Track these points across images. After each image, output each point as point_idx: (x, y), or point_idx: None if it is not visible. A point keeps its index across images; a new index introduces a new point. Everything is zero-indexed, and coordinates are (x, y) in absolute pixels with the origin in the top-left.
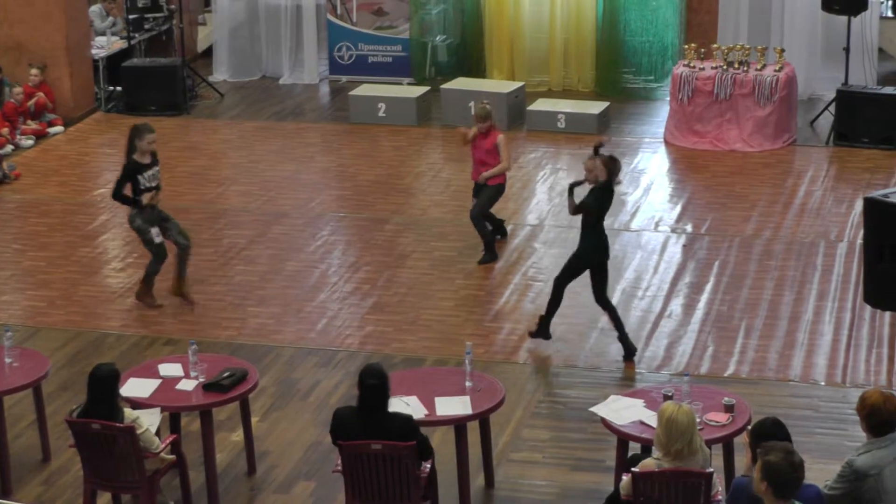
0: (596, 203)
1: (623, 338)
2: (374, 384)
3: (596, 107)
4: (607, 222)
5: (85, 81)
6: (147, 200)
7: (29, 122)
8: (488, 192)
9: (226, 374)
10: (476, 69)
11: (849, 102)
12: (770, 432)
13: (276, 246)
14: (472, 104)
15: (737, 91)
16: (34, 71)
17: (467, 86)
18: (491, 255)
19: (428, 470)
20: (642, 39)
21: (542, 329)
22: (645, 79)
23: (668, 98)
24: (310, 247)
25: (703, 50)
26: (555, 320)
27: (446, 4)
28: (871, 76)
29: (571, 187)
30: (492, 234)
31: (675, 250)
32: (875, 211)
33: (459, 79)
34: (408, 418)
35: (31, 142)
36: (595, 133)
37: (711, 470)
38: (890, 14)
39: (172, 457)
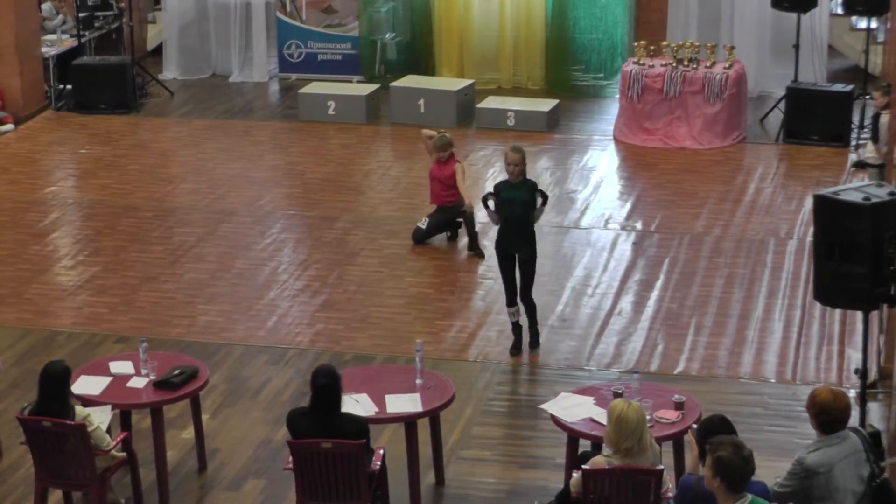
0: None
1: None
2: (325, 384)
3: (545, 104)
4: (556, 219)
5: (35, 79)
6: None
7: None
8: (445, 216)
9: (176, 372)
10: (426, 67)
11: (798, 100)
12: (716, 429)
13: (225, 244)
14: (421, 102)
15: (686, 88)
16: None
17: (417, 83)
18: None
19: (378, 466)
20: (591, 37)
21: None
22: (594, 76)
23: (618, 95)
24: (259, 245)
25: (652, 47)
26: (506, 318)
27: (396, 2)
28: (820, 73)
29: (485, 200)
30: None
31: (624, 248)
32: (825, 208)
33: (409, 76)
34: (362, 421)
35: None
36: (544, 130)
37: (661, 467)
38: (840, 11)
39: (123, 454)
